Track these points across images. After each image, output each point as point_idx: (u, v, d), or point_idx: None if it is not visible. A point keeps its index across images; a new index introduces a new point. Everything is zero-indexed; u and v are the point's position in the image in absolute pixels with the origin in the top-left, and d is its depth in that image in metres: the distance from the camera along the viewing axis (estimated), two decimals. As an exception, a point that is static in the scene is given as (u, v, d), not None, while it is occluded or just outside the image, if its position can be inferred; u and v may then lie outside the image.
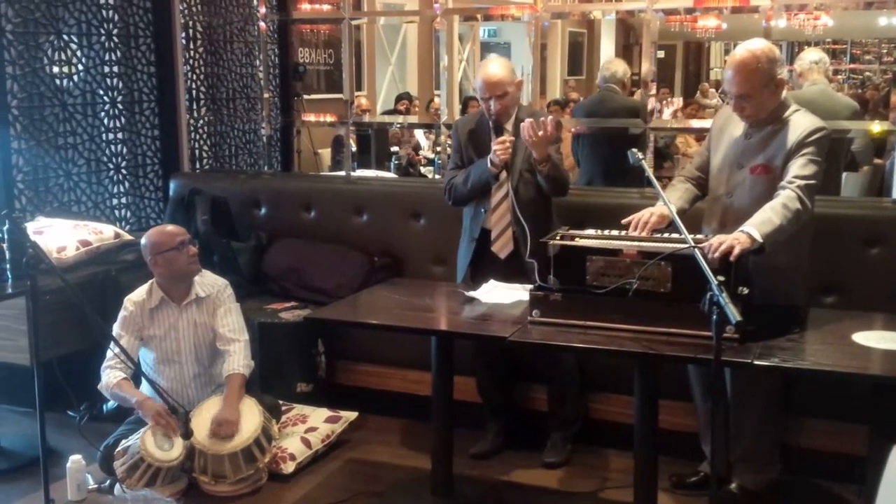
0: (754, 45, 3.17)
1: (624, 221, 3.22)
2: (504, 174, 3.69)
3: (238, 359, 3.68)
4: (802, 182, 3.04)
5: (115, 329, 3.67)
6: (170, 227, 3.78)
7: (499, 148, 3.62)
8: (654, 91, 4.58)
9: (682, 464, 3.65)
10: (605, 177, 5.33)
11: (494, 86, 3.67)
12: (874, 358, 2.80)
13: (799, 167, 3.07)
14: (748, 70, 3.11)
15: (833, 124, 3.75)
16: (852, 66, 15.63)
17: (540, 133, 3.43)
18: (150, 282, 3.73)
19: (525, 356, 3.91)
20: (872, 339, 2.88)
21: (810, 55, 4.99)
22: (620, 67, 5.69)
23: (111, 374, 3.60)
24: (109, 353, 3.62)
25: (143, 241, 3.73)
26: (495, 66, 3.75)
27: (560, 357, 3.83)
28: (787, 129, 3.16)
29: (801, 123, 3.15)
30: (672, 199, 3.29)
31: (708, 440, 3.53)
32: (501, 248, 3.74)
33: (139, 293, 3.72)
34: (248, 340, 3.78)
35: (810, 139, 3.10)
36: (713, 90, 14.69)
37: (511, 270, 3.64)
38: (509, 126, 3.73)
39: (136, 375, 3.60)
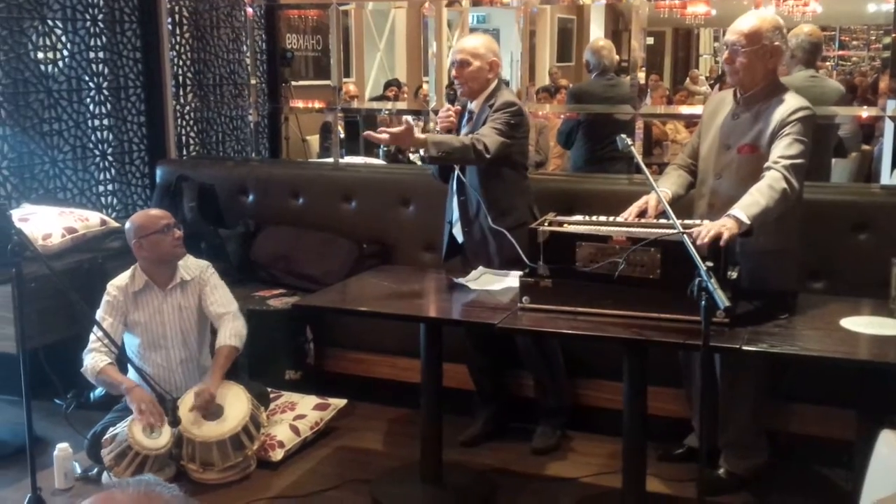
0: (762, 10, 3.35)
1: (622, 215, 3.23)
2: None
3: (227, 329, 3.68)
4: (788, 162, 3.04)
5: (99, 313, 3.64)
6: (154, 211, 3.77)
7: (439, 116, 3.64)
8: (643, 77, 4.57)
9: (671, 449, 3.67)
10: (607, 163, 5.29)
11: (457, 51, 3.70)
12: (862, 343, 2.81)
13: (784, 147, 3.08)
14: (751, 24, 3.20)
15: (822, 109, 3.75)
16: (841, 52, 15.66)
17: (387, 134, 3.29)
18: (132, 266, 3.71)
19: (511, 344, 3.91)
20: (860, 324, 2.89)
21: (804, 38, 4.83)
22: (614, 52, 5.68)
23: (96, 358, 3.56)
24: (92, 337, 3.59)
25: (127, 224, 3.71)
26: (471, 37, 3.82)
27: (530, 348, 3.82)
28: (773, 109, 3.18)
29: (786, 103, 3.17)
30: (666, 185, 3.32)
31: (698, 417, 3.55)
32: (459, 231, 3.79)
33: (122, 278, 3.70)
34: (238, 309, 3.78)
35: (793, 118, 3.11)
36: (703, 77, 14.69)
37: (479, 250, 3.70)
38: (475, 107, 3.70)
39: (121, 360, 3.59)
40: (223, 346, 3.65)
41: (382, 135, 3.28)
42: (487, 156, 3.44)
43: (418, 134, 3.34)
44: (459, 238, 3.78)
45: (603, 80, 5.56)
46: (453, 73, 3.69)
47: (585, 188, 4.17)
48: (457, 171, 3.69)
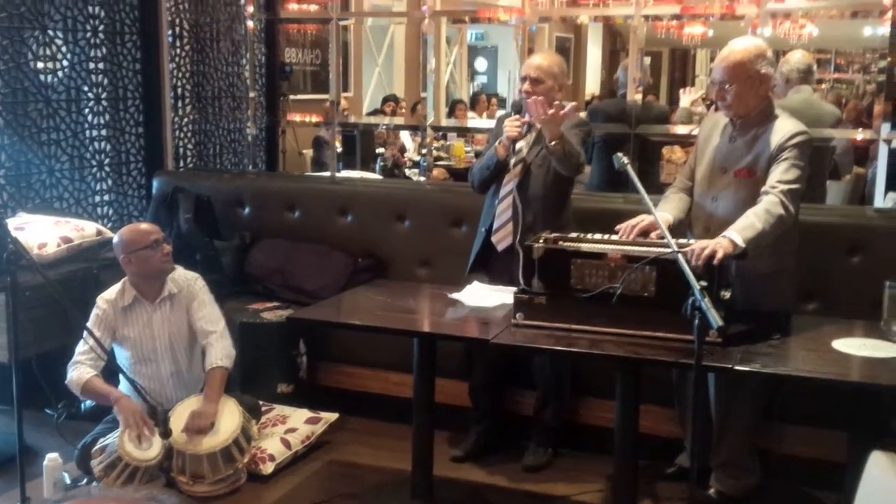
0: (744, 40, 3.30)
1: (616, 228, 3.23)
2: (518, 165, 3.66)
3: (216, 350, 3.65)
4: (785, 187, 3.06)
5: (89, 326, 3.63)
6: (143, 226, 3.74)
7: (509, 125, 3.61)
8: (639, 97, 4.61)
9: (663, 468, 3.67)
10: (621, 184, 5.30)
11: (532, 67, 3.71)
12: (853, 365, 2.82)
13: (781, 172, 3.09)
14: (731, 59, 3.20)
15: (817, 132, 3.77)
16: (836, 75, 15.73)
17: (551, 111, 3.38)
18: (122, 280, 3.69)
19: (516, 363, 3.90)
20: (852, 346, 2.89)
21: (796, 61, 4.90)
22: (647, 73, 5.71)
23: (81, 371, 3.54)
24: (78, 349, 3.57)
25: (115, 238, 3.70)
26: (542, 55, 3.87)
27: (544, 364, 3.83)
28: (770, 133, 3.19)
29: (782, 127, 3.18)
30: (667, 210, 3.33)
31: (690, 436, 3.55)
32: (500, 239, 3.72)
33: (111, 292, 3.69)
34: (226, 327, 3.75)
35: (791, 143, 3.13)
36: (699, 97, 14.71)
37: (511, 264, 3.63)
38: (538, 123, 3.71)
39: (107, 372, 3.57)
40: (216, 368, 3.63)
41: (549, 110, 3.38)
42: (581, 171, 3.62)
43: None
44: (500, 246, 3.71)
45: (621, 100, 5.53)
46: (525, 87, 3.69)
47: (581, 207, 4.17)
48: (515, 181, 3.67)
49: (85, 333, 3.45)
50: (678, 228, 3.29)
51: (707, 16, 4.35)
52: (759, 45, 3.25)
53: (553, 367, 3.83)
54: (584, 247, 3.09)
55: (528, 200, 3.64)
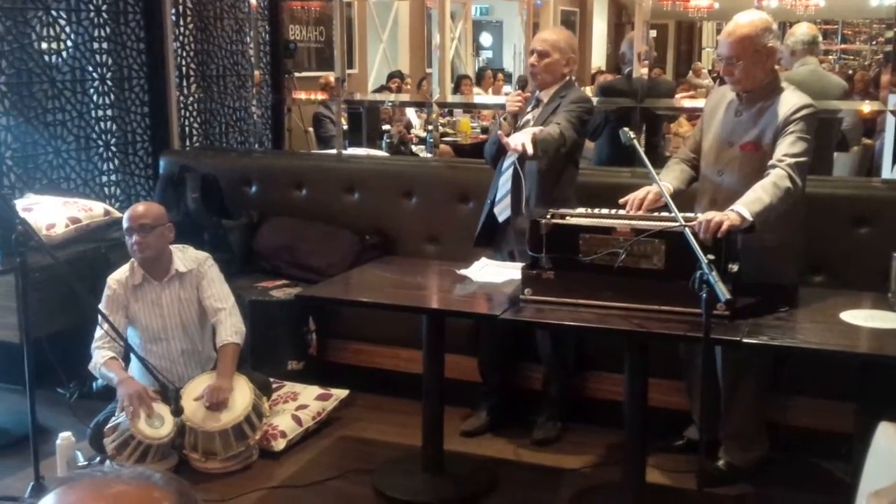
0: (749, 13, 3.27)
1: (621, 201, 3.23)
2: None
3: (226, 327, 3.67)
4: (792, 160, 3.05)
5: (101, 307, 3.65)
6: (131, 209, 3.67)
7: (509, 99, 3.63)
8: (645, 71, 4.58)
9: (671, 441, 3.69)
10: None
11: (539, 41, 3.73)
12: (861, 336, 2.83)
13: (788, 145, 3.08)
14: (738, 34, 3.18)
15: (824, 104, 3.76)
16: (843, 46, 15.60)
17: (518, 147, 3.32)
18: (131, 260, 3.72)
19: (527, 336, 3.91)
20: (860, 317, 2.90)
21: (801, 33, 4.92)
22: (652, 47, 5.67)
23: (99, 354, 3.60)
24: (98, 333, 3.61)
25: None
26: (550, 30, 3.89)
27: (553, 338, 3.84)
28: (776, 107, 3.18)
29: (788, 100, 3.17)
30: (667, 179, 3.32)
31: (697, 409, 3.56)
32: (500, 211, 3.73)
33: (121, 272, 3.71)
34: (235, 304, 3.77)
35: (797, 115, 3.12)
36: (705, 70, 14.63)
37: (510, 235, 3.67)
38: (545, 97, 3.71)
39: (127, 354, 3.60)
40: (227, 344, 3.66)
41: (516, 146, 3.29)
42: (563, 149, 3.50)
43: (530, 146, 3.28)
44: (501, 217, 3.72)
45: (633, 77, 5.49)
46: (531, 60, 3.72)
47: (588, 181, 4.17)
48: (516, 154, 3.61)
49: (100, 318, 3.47)
50: (677, 198, 3.27)
51: (713, -13, 4.32)
52: (764, 18, 3.23)
53: (553, 342, 3.84)
54: (593, 222, 3.09)
55: (525, 174, 3.64)
